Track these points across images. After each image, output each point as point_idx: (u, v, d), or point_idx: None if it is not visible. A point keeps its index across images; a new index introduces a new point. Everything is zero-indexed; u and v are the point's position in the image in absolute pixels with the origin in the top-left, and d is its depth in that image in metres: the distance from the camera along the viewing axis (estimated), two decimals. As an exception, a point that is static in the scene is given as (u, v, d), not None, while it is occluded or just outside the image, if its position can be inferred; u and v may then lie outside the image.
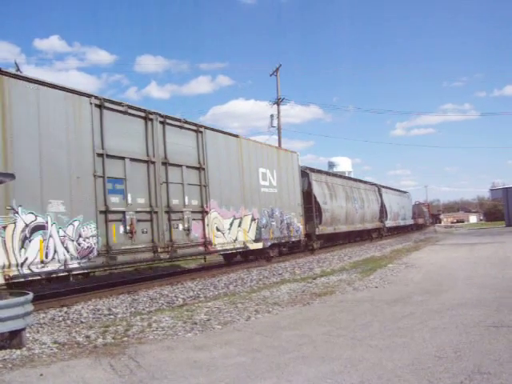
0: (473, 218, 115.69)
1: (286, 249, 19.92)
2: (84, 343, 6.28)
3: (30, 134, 9.19)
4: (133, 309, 9.13)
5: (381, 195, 36.31)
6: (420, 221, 57.18)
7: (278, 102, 33.12)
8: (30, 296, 6.23)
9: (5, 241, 8.43)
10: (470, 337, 5.71)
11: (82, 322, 7.96)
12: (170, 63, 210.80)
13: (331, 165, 54.11)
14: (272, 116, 32.93)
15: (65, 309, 9.15)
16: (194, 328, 6.93)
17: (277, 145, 29.27)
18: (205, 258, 14.69)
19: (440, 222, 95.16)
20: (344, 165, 54.70)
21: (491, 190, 66.24)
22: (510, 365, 4.61)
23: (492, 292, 8.84)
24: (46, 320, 8.19)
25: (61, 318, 8.31)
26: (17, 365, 5.30)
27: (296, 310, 8.10)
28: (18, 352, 5.78)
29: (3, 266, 8.38)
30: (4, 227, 8.44)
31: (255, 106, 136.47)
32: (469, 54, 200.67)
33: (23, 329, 6.05)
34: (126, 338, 6.46)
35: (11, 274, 8.50)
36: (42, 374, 4.93)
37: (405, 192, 51.12)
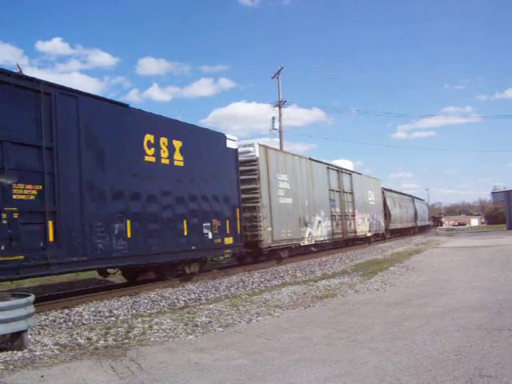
0: (474, 221, 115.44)
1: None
2: (85, 345, 6.28)
3: (319, 184, 21.55)
4: (134, 311, 9.13)
5: (414, 203, 50.12)
6: (430, 223, 71.94)
7: (279, 104, 33.18)
8: (32, 298, 6.25)
9: (314, 226, 20.26)
10: (472, 340, 5.71)
11: (83, 324, 7.97)
12: (171, 65, 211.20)
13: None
14: (273, 119, 32.88)
15: (66, 311, 9.14)
16: (195, 330, 6.93)
17: (278, 147, 29.38)
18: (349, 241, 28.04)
19: (441, 225, 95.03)
20: (346, 168, 55.04)
21: (493, 192, 65.90)
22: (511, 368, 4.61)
23: (493, 295, 8.84)
24: (47, 322, 8.18)
25: (62, 320, 8.31)
26: (18, 366, 5.31)
27: (297, 313, 8.10)
28: (20, 354, 5.79)
29: (317, 236, 20.67)
30: (318, 221, 20.77)
31: (257, 108, 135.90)
32: (470, 56, 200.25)
33: (25, 330, 6.06)
34: (127, 340, 6.47)
35: (315, 240, 20.59)
36: (43, 376, 4.94)
37: (423, 200, 67.23)
